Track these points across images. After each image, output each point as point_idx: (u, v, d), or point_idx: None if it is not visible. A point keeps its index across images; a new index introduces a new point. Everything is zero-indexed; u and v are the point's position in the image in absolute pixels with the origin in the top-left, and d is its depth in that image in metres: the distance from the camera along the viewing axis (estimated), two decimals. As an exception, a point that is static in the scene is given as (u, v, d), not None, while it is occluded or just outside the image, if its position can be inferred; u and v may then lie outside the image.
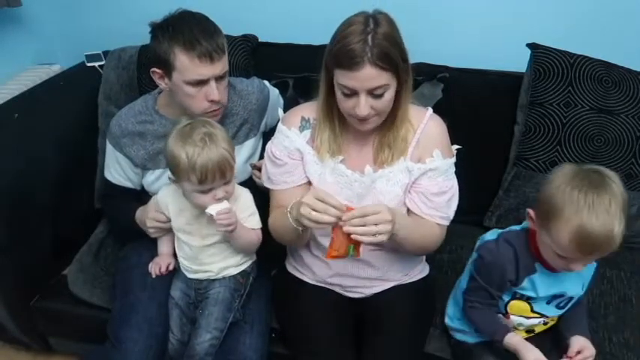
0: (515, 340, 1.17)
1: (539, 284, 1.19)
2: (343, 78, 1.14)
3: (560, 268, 1.12)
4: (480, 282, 1.22)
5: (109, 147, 1.50)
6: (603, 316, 1.46)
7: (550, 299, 1.21)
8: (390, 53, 1.11)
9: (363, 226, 1.08)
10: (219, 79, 1.33)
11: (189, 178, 1.21)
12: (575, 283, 1.21)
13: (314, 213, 1.10)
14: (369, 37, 1.10)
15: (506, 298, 1.24)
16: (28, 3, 2.03)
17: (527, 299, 1.22)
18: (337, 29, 1.16)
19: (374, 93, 1.14)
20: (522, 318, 1.25)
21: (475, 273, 1.24)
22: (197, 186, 1.22)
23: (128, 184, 1.52)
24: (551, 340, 1.33)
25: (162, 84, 1.38)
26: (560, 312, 1.24)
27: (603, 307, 1.48)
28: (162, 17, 1.34)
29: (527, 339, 1.30)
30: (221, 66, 1.32)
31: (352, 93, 1.15)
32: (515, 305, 1.23)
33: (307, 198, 1.12)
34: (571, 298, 1.22)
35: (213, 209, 1.23)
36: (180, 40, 1.28)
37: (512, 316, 1.25)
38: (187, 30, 1.28)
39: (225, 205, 1.24)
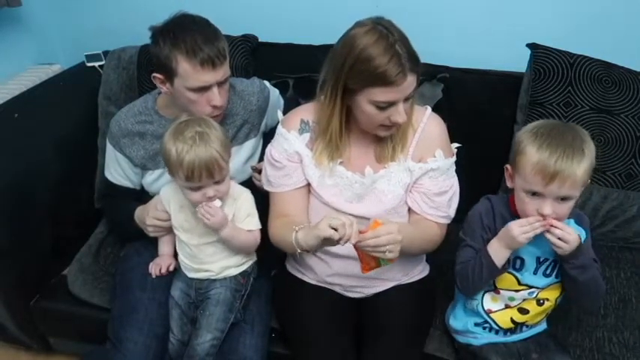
0: (493, 243, 1.18)
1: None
2: (383, 94, 1.14)
3: (531, 215, 1.13)
4: (466, 240, 1.25)
5: (108, 147, 1.50)
6: (603, 316, 1.46)
7: (536, 267, 1.22)
8: (416, 53, 1.14)
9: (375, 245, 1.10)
10: (220, 84, 1.33)
11: (177, 173, 1.22)
12: None
13: (334, 221, 1.10)
14: (397, 48, 1.11)
15: None
16: (28, 3, 2.02)
17: (514, 269, 1.23)
18: (350, 50, 1.14)
19: (408, 97, 1.17)
20: (512, 292, 1.25)
21: (461, 234, 1.27)
22: (185, 182, 1.23)
23: (128, 184, 1.52)
24: (554, 340, 1.33)
25: (163, 88, 1.38)
26: (549, 280, 1.23)
27: (603, 307, 1.48)
28: (163, 21, 1.33)
29: (529, 338, 1.31)
30: (223, 71, 1.32)
31: (389, 104, 1.16)
32: (503, 278, 1.24)
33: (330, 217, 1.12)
34: (556, 264, 1.21)
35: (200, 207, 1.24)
36: (182, 47, 1.27)
37: (502, 291, 1.26)
38: (189, 36, 1.27)
39: (215, 204, 1.25)
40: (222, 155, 1.23)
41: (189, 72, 1.28)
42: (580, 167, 1.07)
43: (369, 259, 1.15)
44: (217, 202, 1.26)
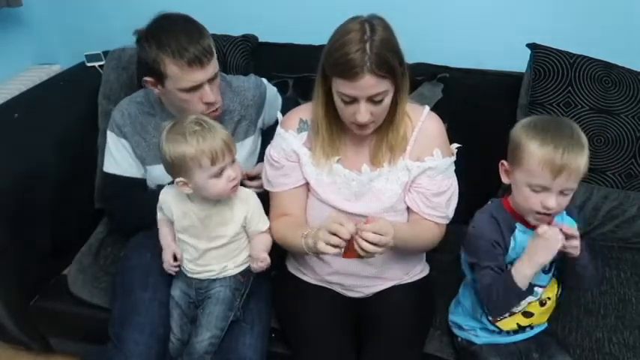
0: (517, 266, 1.15)
1: (526, 243, 1.19)
2: (343, 87, 1.14)
3: (535, 209, 1.13)
4: (479, 263, 1.21)
5: (111, 137, 1.51)
6: (603, 316, 1.46)
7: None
8: (389, 60, 1.12)
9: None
10: (211, 80, 1.34)
11: (200, 164, 1.21)
12: None
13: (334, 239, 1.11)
14: (367, 46, 1.11)
15: None
16: (28, 3, 2.03)
17: None
18: (333, 37, 1.17)
19: (374, 100, 1.16)
20: None
21: (470, 257, 1.24)
22: (210, 169, 1.22)
23: (134, 173, 1.52)
24: (554, 340, 1.33)
25: (156, 90, 1.39)
26: (549, 276, 1.23)
27: (603, 307, 1.48)
28: (146, 25, 1.34)
29: (530, 338, 1.31)
30: (212, 68, 1.33)
31: (352, 100, 1.16)
32: None
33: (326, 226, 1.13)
34: (553, 261, 1.20)
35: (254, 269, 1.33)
36: (168, 50, 1.28)
37: None
38: (173, 39, 1.29)
39: (266, 262, 1.31)
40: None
41: (178, 73, 1.30)
42: (582, 159, 1.10)
43: (350, 247, 1.13)
44: (267, 260, 1.32)
